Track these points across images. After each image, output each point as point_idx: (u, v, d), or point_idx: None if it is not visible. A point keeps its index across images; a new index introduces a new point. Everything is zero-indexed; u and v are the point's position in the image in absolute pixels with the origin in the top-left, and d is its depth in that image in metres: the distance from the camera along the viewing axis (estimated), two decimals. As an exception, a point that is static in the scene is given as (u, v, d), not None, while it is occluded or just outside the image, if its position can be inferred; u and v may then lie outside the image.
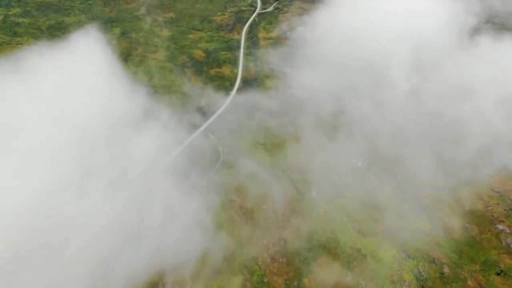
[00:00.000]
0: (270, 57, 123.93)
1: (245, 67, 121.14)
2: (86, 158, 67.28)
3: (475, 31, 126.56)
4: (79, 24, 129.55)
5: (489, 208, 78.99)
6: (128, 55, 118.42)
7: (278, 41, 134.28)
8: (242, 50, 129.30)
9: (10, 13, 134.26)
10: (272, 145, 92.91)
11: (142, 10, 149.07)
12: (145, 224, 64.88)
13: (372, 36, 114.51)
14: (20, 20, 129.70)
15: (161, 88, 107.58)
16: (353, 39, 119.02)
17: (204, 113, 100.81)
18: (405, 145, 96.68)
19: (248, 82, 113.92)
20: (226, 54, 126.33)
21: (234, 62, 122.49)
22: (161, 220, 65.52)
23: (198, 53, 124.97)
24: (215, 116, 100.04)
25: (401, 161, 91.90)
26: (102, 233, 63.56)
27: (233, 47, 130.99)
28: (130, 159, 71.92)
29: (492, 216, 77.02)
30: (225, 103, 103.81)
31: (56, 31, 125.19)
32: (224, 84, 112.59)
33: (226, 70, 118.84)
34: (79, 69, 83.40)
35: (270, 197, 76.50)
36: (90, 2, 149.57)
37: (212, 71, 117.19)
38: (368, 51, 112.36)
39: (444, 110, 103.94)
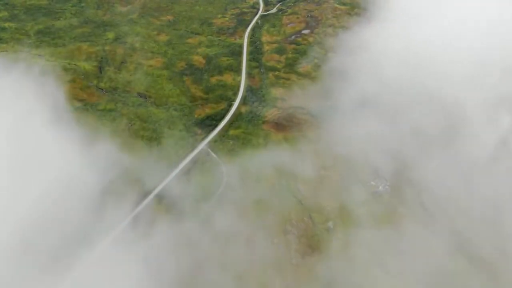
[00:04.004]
0: (297, 98, 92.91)
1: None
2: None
3: None
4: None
5: None
6: (122, 62, 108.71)
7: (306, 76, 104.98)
8: (245, 56, 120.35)
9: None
10: (307, 238, 62.56)
11: (138, 13, 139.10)
12: None
13: (440, 59, 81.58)
14: (6, 24, 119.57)
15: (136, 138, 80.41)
16: (409, 62, 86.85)
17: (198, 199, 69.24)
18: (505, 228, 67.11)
19: (253, 90, 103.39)
20: (227, 60, 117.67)
21: (236, 69, 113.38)
22: None
23: (198, 59, 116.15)
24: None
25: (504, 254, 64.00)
26: None
27: (235, 52, 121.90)
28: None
29: None
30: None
31: (44, 36, 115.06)
32: (226, 93, 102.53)
33: (228, 78, 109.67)
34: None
35: None
36: (82, 4, 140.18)
37: (213, 79, 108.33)
38: (436, 82, 79.76)
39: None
